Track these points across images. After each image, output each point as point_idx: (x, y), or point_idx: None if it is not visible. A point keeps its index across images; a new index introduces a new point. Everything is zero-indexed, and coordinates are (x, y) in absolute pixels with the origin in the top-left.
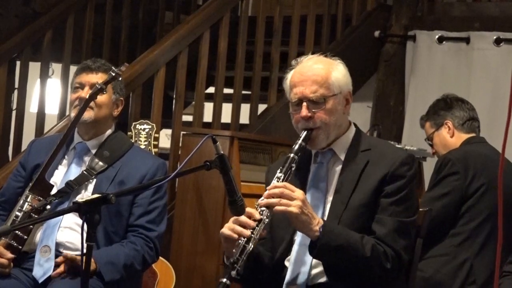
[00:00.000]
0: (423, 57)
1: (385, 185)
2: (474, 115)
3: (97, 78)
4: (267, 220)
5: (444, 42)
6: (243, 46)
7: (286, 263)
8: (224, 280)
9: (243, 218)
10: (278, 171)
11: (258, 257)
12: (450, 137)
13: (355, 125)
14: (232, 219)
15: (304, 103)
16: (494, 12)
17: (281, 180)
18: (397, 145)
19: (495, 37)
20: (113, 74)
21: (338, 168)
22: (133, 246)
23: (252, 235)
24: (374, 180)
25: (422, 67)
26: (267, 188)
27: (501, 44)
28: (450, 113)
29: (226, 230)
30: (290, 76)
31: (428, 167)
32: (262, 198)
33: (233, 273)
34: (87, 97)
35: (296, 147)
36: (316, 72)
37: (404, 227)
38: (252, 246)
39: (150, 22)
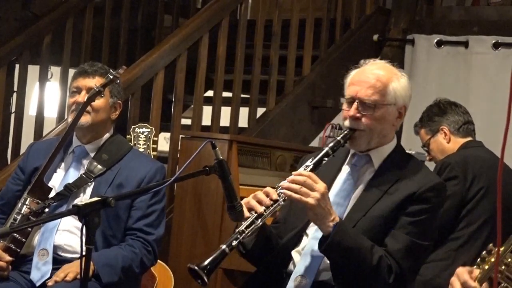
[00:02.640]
0: (421, 61)
1: (409, 204)
2: (469, 118)
3: (94, 82)
4: (282, 202)
5: (442, 46)
6: (242, 50)
7: (294, 254)
8: (224, 246)
9: (260, 194)
10: (310, 160)
11: (268, 238)
12: (447, 142)
13: (398, 140)
14: (251, 195)
15: (355, 103)
16: (492, 16)
17: (309, 169)
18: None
19: (493, 41)
20: (111, 77)
21: (370, 175)
22: (131, 249)
23: (264, 213)
24: (400, 195)
25: (420, 71)
26: (293, 173)
27: (499, 48)
28: (445, 119)
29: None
30: (352, 74)
31: None
32: (286, 180)
33: (235, 243)
34: (84, 101)
35: (334, 143)
36: (376, 77)
37: (417, 248)
38: (261, 223)
39: (149, 25)
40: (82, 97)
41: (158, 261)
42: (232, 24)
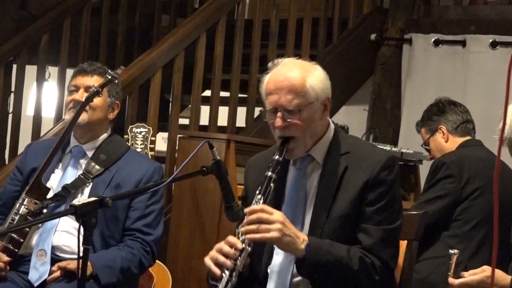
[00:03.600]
0: (419, 60)
1: (367, 193)
2: (468, 117)
3: (93, 81)
4: (249, 248)
5: (440, 45)
6: (239, 49)
7: (269, 270)
8: None
9: (226, 248)
10: (257, 192)
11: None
12: (445, 141)
13: (335, 125)
14: (215, 247)
15: (279, 113)
16: (490, 15)
17: (260, 203)
18: (391, 148)
19: (491, 40)
20: (109, 77)
21: (317, 174)
22: (130, 250)
23: (236, 267)
24: (354, 188)
25: (418, 70)
26: (246, 210)
27: (497, 47)
28: (444, 118)
29: (209, 261)
30: (265, 82)
31: (425, 170)
32: (243, 224)
33: None
34: (82, 99)
35: (274, 164)
36: (291, 80)
37: (390, 235)
38: (236, 278)
39: (146, 25)
40: (80, 95)
41: (156, 261)
42: (229, 23)
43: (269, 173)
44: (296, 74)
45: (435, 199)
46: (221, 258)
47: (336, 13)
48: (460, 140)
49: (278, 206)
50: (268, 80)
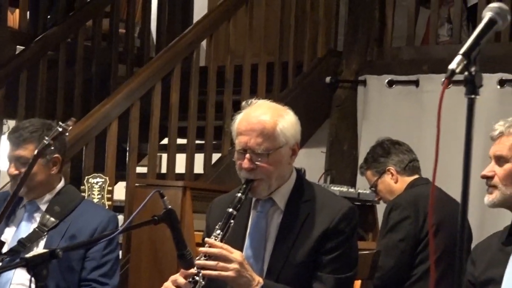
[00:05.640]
0: (374, 101)
1: (325, 242)
2: (413, 156)
3: (25, 153)
4: (203, 282)
5: (394, 86)
6: (195, 96)
7: None
8: None
9: (180, 279)
10: (217, 227)
11: None
12: (395, 182)
13: (298, 171)
14: (170, 278)
15: (248, 154)
16: (442, 54)
17: (219, 238)
18: (349, 189)
19: (443, 79)
20: (60, 130)
21: (278, 218)
22: None
23: None
24: (313, 236)
25: (373, 111)
26: (207, 242)
27: (449, 85)
28: (390, 159)
29: None
30: (237, 121)
31: (382, 210)
32: (200, 256)
33: None
34: (17, 172)
35: (236, 201)
36: (263, 124)
37: (344, 283)
38: None
39: (103, 75)
40: (12, 169)
41: None
42: (185, 71)
43: (230, 210)
44: (267, 117)
45: (397, 244)
46: None
47: (290, 57)
48: (409, 179)
49: (239, 248)
50: (240, 120)
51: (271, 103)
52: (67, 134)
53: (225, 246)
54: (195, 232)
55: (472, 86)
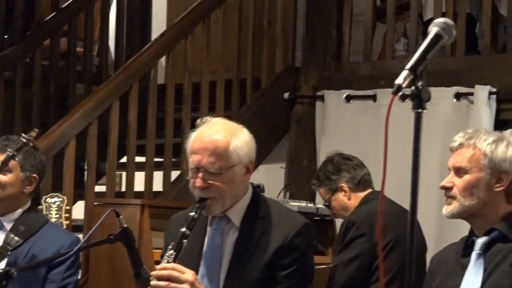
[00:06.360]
0: (332, 116)
1: (279, 258)
2: (365, 170)
3: None
4: None
5: (352, 101)
6: (153, 114)
7: None
8: None
9: None
10: (170, 246)
11: None
12: (348, 199)
13: (255, 188)
14: None
15: (200, 173)
16: (398, 69)
17: (172, 258)
18: (307, 204)
19: (400, 94)
20: (24, 141)
21: (234, 236)
22: None
23: None
24: (268, 253)
25: (331, 126)
26: (157, 267)
27: (406, 100)
28: (342, 176)
29: None
30: (192, 139)
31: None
32: (153, 277)
33: None
34: None
35: (189, 220)
36: (215, 143)
37: None
38: None
39: (62, 95)
40: None
41: None
42: (143, 89)
43: (183, 229)
44: (221, 137)
45: (351, 260)
46: None
47: (248, 74)
48: (362, 194)
49: (195, 266)
50: (194, 139)
51: (225, 121)
52: (31, 144)
53: (177, 266)
54: (154, 250)
55: (419, 101)
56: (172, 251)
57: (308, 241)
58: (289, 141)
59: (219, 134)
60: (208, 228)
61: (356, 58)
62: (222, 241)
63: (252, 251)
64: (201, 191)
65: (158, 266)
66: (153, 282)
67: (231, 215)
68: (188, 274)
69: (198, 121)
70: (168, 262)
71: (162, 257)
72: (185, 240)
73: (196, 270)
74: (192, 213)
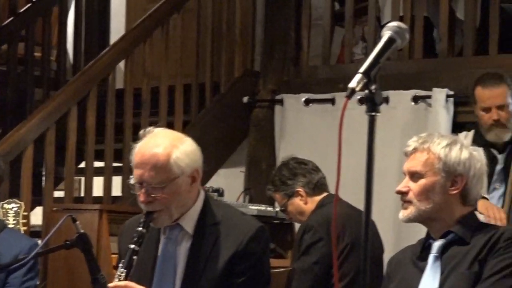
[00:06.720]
0: (291, 120)
1: (235, 265)
2: (320, 174)
3: None
4: None
5: (310, 104)
6: (112, 119)
7: None
8: None
9: None
10: (120, 265)
11: None
12: (304, 204)
13: (206, 193)
14: None
15: (143, 188)
16: (356, 72)
17: (123, 277)
18: (267, 208)
19: (358, 97)
20: None
21: (187, 244)
22: None
23: None
24: (223, 260)
25: (290, 130)
26: (109, 286)
27: (364, 103)
28: (298, 181)
29: None
30: (134, 153)
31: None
32: None
33: None
34: None
35: (138, 236)
36: (155, 157)
37: None
38: None
39: (19, 100)
40: None
41: None
42: (101, 94)
43: (132, 246)
44: (160, 150)
45: (311, 266)
46: None
47: (207, 78)
48: (318, 198)
49: (149, 276)
50: (136, 153)
51: (167, 132)
52: None
53: (129, 284)
54: (113, 255)
55: (372, 104)
56: (123, 269)
57: (263, 245)
58: (248, 145)
59: (159, 148)
60: (162, 237)
61: (314, 62)
62: (176, 250)
63: (206, 259)
64: (146, 205)
65: (110, 285)
66: None
67: (183, 223)
68: None
69: (141, 132)
70: (119, 280)
71: (118, 263)
72: (135, 257)
73: (150, 281)
74: (140, 228)
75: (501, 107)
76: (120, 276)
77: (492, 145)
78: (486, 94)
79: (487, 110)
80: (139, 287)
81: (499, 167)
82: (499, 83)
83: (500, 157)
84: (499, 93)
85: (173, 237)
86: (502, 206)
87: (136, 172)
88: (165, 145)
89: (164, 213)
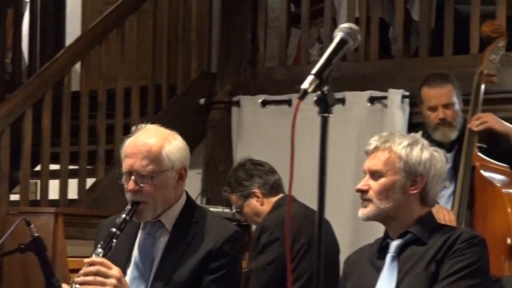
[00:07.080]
0: (248, 121)
1: (208, 263)
2: (276, 175)
3: None
4: None
5: (267, 106)
6: (67, 121)
7: None
8: None
9: None
10: (99, 245)
11: None
12: (261, 205)
13: (188, 195)
14: None
15: (133, 176)
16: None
17: (100, 256)
18: (224, 209)
19: (315, 98)
20: None
21: (165, 239)
22: None
23: None
24: (197, 257)
25: (247, 131)
26: (85, 260)
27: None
28: (255, 182)
29: None
30: (125, 145)
31: None
32: (79, 274)
33: None
34: None
35: (120, 221)
36: (148, 147)
37: None
38: None
39: None
40: None
41: None
42: (56, 96)
43: (114, 229)
44: (153, 141)
45: (266, 266)
46: None
47: (164, 80)
48: (274, 199)
49: (123, 269)
50: (128, 144)
51: (159, 128)
52: None
53: (105, 261)
54: (69, 259)
55: (325, 105)
56: (100, 249)
57: (238, 249)
58: (205, 146)
59: (152, 139)
60: (140, 232)
61: (271, 63)
62: (153, 244)
63: (181, 254)
64: (133, 194)
65: (86, 260)
66: (80, 278)
67: (164, 220)
68: (115, 270)
69: (133, 128)
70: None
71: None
72: (114, 240)
73: (123, 273)
74: (124, 215)
75: (447, 106)
76: (97, 255)
77: (439, 145)
78: (432, 94)
79: (433, 109)
80: (114, 266)
81: (448, 165)
82: (444, 83)
83: (449, 156)
84: (444, 92)
85: (152, 233)
86: (452, 205)
87: (127, 161)
88: (158, 138)
89: (149, 206)
